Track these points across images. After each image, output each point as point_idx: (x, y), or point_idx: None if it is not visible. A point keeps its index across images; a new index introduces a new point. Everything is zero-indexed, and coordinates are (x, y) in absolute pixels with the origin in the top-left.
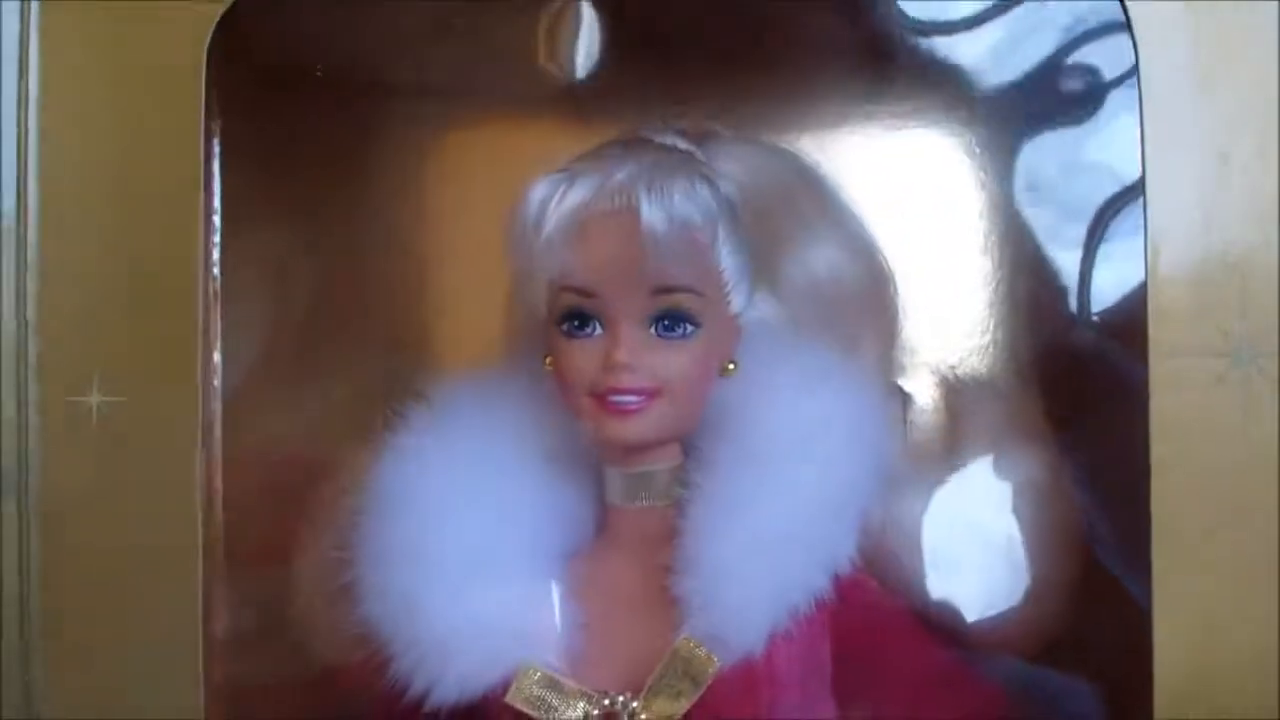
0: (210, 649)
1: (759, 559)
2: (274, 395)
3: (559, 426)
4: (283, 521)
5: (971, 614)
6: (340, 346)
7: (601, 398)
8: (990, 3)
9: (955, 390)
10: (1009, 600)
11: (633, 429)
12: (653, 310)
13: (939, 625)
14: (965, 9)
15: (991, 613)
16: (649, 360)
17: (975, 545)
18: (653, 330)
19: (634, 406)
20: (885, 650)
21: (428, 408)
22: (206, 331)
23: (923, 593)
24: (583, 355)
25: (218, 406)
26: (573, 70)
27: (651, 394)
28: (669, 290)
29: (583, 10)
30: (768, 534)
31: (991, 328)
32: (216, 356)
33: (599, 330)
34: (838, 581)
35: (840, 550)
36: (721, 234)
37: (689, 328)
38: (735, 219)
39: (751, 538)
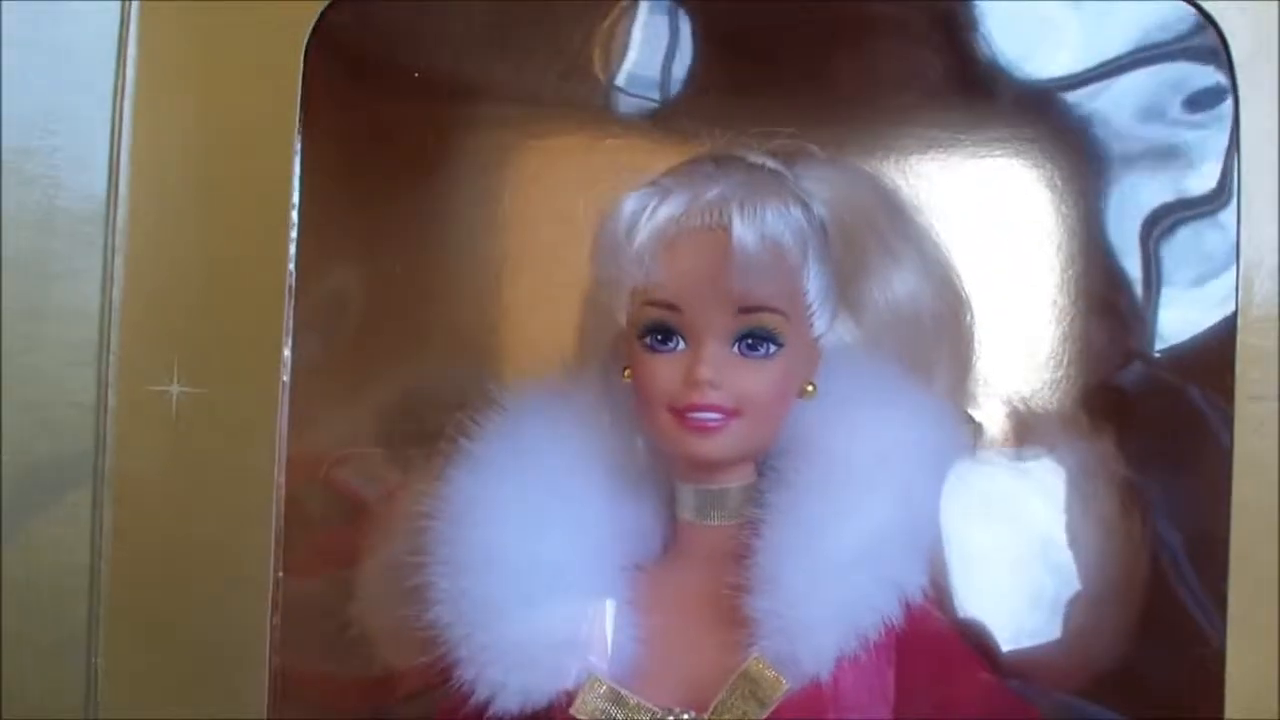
0: (275, 644)
1: (832, 582)
2: (341, 395)
3: (632, 439)
4: (345, 522)
5: (1038, 651)
6: (410, 348)
7: (681, 413)
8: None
9: (1027, 423)
10: (1076, 638)
11: (712, 447)
12: (737, 329)
13: (1003, 663)
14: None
15: (1057, 650)
16: (731, 378)
17: (1044, 580)
18: (735, 349)
19: (714, 424)
20: (948, 682)
21: (501, 413)
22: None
23: (988, 628)
24: (664, 370)
25: (285, 404)
26: (658, 83)
27: (732, 412)
28: (755, 309)
29: (672, 22)
30: (842, 557)
31: (1065, 362)
32: (286, 353)
33: (682, 345)
34: (908, 609)
35: (911, 578)
36: (811, 256)
37: (772, 348)
38: (824, 242)
39: (825, 560)
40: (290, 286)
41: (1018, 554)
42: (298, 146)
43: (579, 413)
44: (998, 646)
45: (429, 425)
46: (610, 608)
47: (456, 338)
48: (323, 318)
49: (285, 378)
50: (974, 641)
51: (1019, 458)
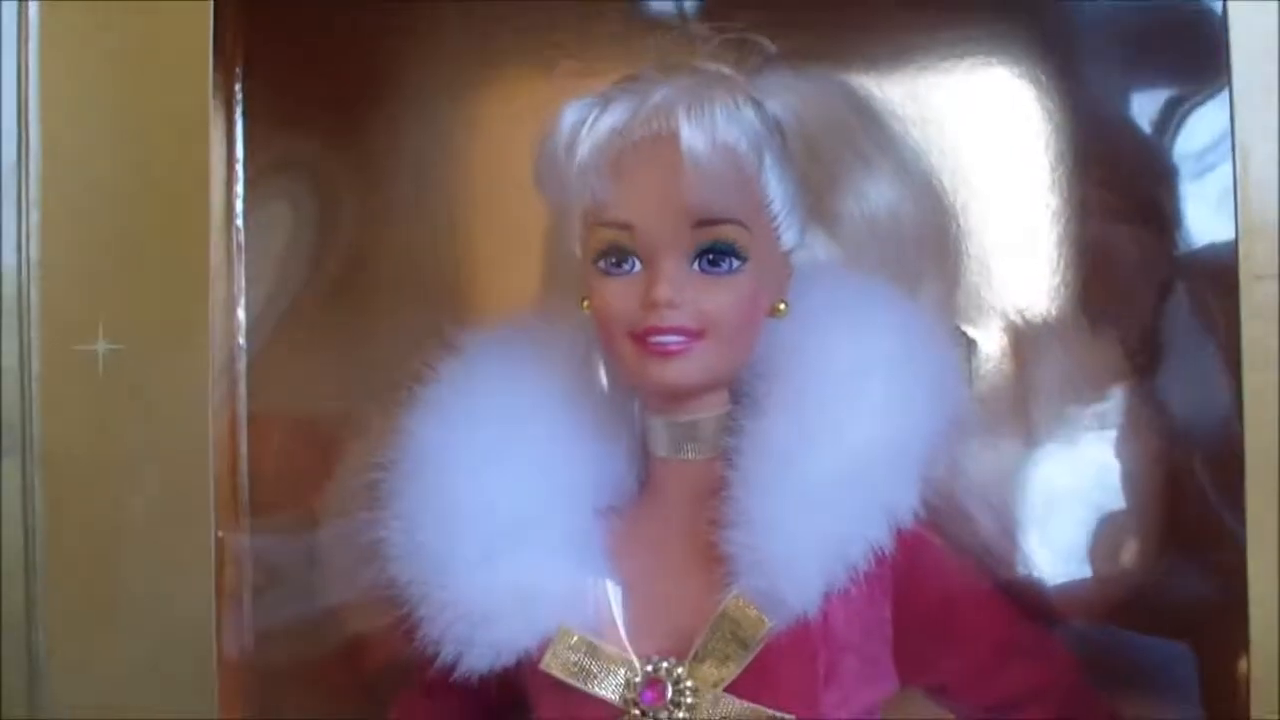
0: (222, 608)
1: (814, 510)
2: (301, 352)
3: (597, 375)
4: (308, 480)
5: (1048, 574)
6: (371, 301)
7: (642, 338)
8: None
9: (1024, 335)
10: (1089, 558)
11: (676, 371)
12: (695, 244)
13: (1011, 588)
14: None
15: (1071, 572)
16: (692, 298)
17: (1051, 499)
18: (696, 266)
19: (676, 347)
20: (951, 613)
21: (458, 358)
22: (229, 285)
23: (994, 552)
24: (621, 294)
25: (243, 364)
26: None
27: (695, 334)
28: (712, 222)
29: None
30: (822, 482)
31: (1063, 267)
32: (240, 313)
33: (638, 267)
34: (899, 536)
35: (901, 500)
36: (768, 160)
37: (735, 263)
38: (783, 146)
39: (806, 488)
40: (239, 245)
41: (1021, 476)
42: (238, 94)
43: (541, 352)
44: (1011, 573)
45: (394, 378)
46: (583, 554)
47: (421, 287)
48: (276, 274)
49: (241, 339)
50: (981, 569)
51: (1019, 374)
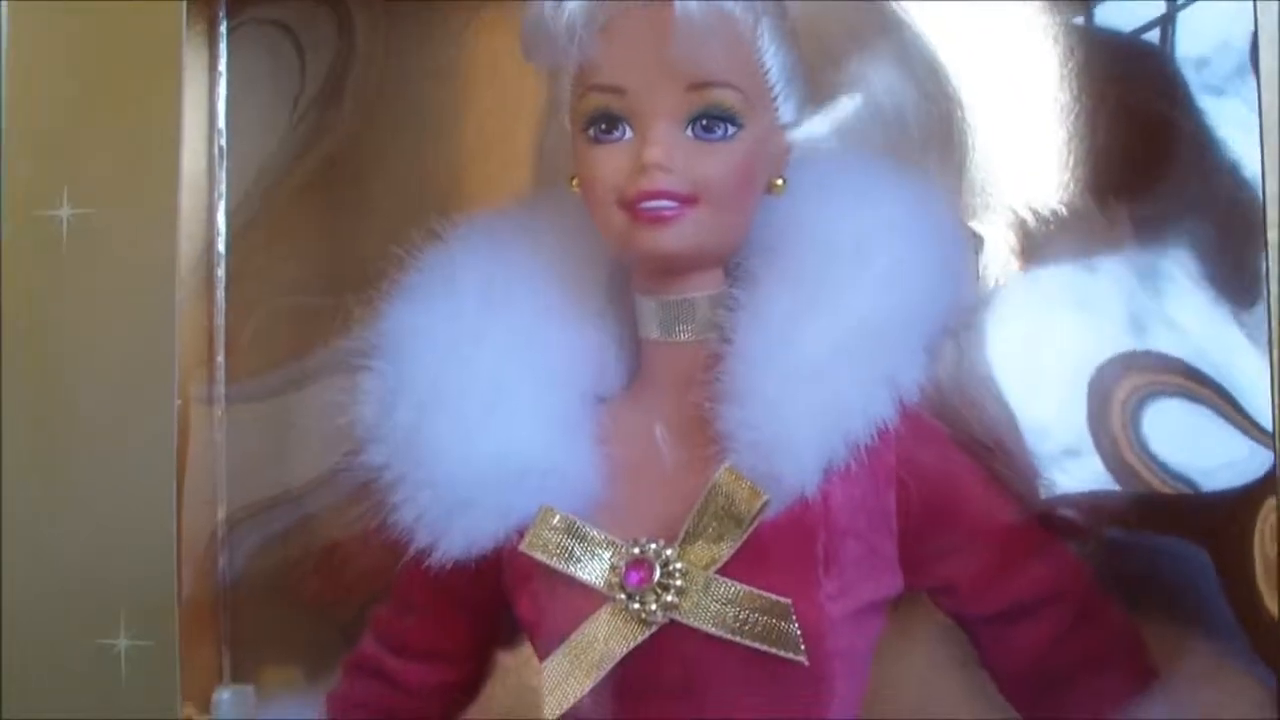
0: (182, 479)
1: (813, 382)
2: (283, 240)
3: (587, 258)
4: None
5: (1060, 472)
6: (356, 194)
7: (632, 205)
8: None
9: (1031, 232)
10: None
11: (667, 239)
12: (689, 108)
13: (1020, 482)
14: None
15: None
16: (685, 163)
17: (1062, 393)
18: (689, 132)
19: (669, 213)
20: (957, 504)
21: (441, 246)
22: (210, 190)
23: (1004, 447)
24: (611, 161)
25: (223, 248)
26: None
27: (688, 200)
28: (706, 84)
29: None
30: (822, 353)
31: (1073, 164)
32: (220, 213)
33: (629, 134)
34: (903, 414)
35: (905, 373)
36: (766, 28)
37: (730, 129)
38: (781, 13)
39: (804, 359)
40: (220, 148)
41: (1035, 367)
42: None
43: (527, 236)
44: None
45: (373, 269)
46: (568, 438)
47: (403, 178)
48: (261, 157)
49: (221, 226)
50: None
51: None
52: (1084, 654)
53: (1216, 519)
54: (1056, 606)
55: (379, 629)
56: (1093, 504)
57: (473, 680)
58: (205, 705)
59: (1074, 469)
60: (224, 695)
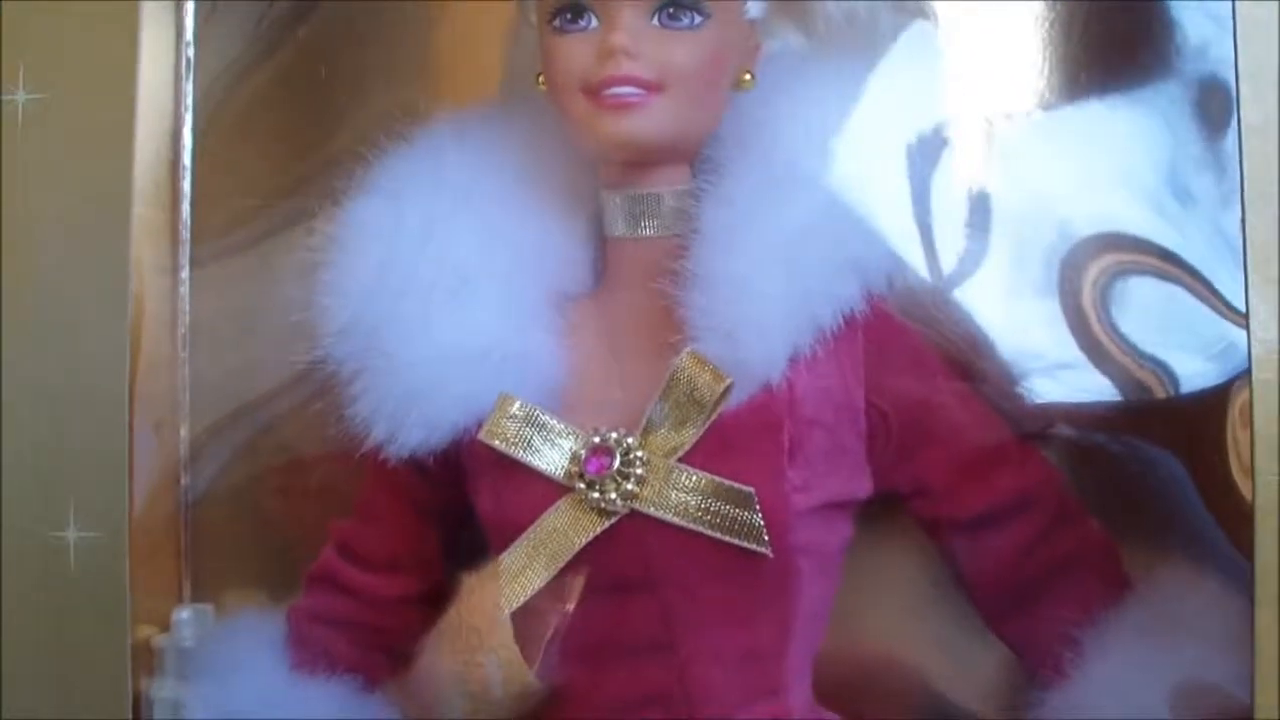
0: (137, 354)
1: (778, 265)
2: (253, 142)
3: (558, 158)
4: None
5: (1037, 376)
6: (336, 92)
7: (596, 92)
8: None
9: (1004, 139)
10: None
11: (631, 125)
12: None
13: (993, 388)
14: None
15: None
16: (650, 50)
17: (1037, 299)
18: (655, 20)
19: (634, 99)
20: (927, 400)
21: (405, 144)
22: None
23: (977, 348)
24: (576, 50)
25: (188, 159)
26: None
27: (653, 86)
28: None
29: None
30: (788, 236)
31: (1047, 71)
32: (187, 124)
33: (594, 23)
34: (872, 306)
35: (873, 260)
36: None
37: (697, 18)
38: None
39: (770, 242)
40: (189, 61)
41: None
42: None
43: (497, 135)
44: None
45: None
46: (529, 332)
47: (389, 79)
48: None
49: (187, 132)
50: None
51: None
52: (1058, 561)
53: (1191, 422)
54: (1030, 512)
55: (339, 539)
56: (1068, 412)
57: (434, 594)
58: (165, 626)
59: (1048, 348)
60: (183, 614)
